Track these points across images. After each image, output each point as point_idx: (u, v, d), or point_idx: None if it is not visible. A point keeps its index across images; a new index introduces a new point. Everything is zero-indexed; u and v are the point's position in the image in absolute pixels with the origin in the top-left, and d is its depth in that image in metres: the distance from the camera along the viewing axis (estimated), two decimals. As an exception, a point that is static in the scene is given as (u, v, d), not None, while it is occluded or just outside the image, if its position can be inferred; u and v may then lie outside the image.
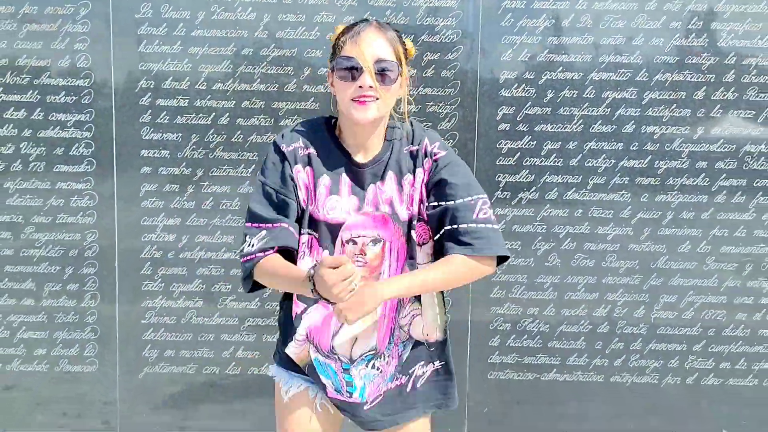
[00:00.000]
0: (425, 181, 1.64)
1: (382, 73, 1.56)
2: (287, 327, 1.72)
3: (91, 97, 2.88)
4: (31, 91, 2.87)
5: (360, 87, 1.56)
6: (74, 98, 2.88)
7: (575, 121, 2.92)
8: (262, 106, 2.91)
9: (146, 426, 3.05)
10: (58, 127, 2.89)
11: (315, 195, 1.63)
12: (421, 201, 1.65)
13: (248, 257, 1.61)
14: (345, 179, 1.63)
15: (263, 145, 2.88)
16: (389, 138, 1.67)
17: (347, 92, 1.57)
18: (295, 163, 1.63)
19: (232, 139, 2.91)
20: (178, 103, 2.90)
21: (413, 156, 1.66)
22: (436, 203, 1.63)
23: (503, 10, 2.88)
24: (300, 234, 1.64)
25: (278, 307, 1.81)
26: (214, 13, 2.85)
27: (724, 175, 2.94)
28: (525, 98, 2.91)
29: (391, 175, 1.64)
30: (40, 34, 2.83)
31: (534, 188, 2.95)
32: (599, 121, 2.92)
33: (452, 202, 1.61)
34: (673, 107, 2.91)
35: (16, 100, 2.87)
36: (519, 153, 2.94)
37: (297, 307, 1.69)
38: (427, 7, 2.87)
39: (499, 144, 2.93)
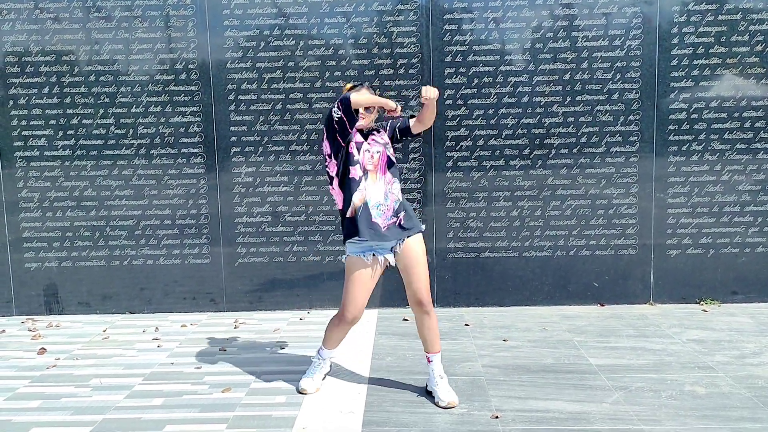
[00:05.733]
0: (387, 134, 3.42)
1: (366, 110, 3.34)
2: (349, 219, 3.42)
3: (199, 96, 4.79)
4: (164, 94, 4.79)
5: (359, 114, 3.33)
6: (189, 97, 4.79)
7: (492, 96, 4.76)
8: (301, 96, 4.79)
9: (238, 298, 4.97)
10: (180, 115, 4.80)
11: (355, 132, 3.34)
12: (389, 139, 3.43)
13: (343, 98, 3.17)
14: (358, 134, 3.38)
15: (303, 120, 4.77)
16: (375, 127, 3.45)
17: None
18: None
19: (284, 118, 4.80)
20: (250, 97, 4.79)
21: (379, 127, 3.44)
22: (398, 132, 3.42)
23: (444, 30, 4.71)
24: (352, 141, 3.28)
25: (340, 217, 3.48)
26: (272, 42, 4.73)
27: (585, 125, 4.76)
28: (461, 83, 4.76)
29: (374, 134, 3.40)
30: (169, 60, 4.75)
31: (469, 139, 4.80)
32: (506, 96, 4.76)
33: (397, 123, 3.42)
34: (551, 84, 4.74)
35: (155, 100, 4.79)
36: (459, 118, 4.79)
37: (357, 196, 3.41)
38: (397, 31, 4.71)
39: (446, 112, 4.78)
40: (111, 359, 4.02)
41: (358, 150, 3.25)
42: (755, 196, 4.78)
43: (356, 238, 3.24)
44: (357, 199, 3.23)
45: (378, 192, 3.26)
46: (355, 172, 3.22)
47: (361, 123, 3.28)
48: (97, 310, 4.96)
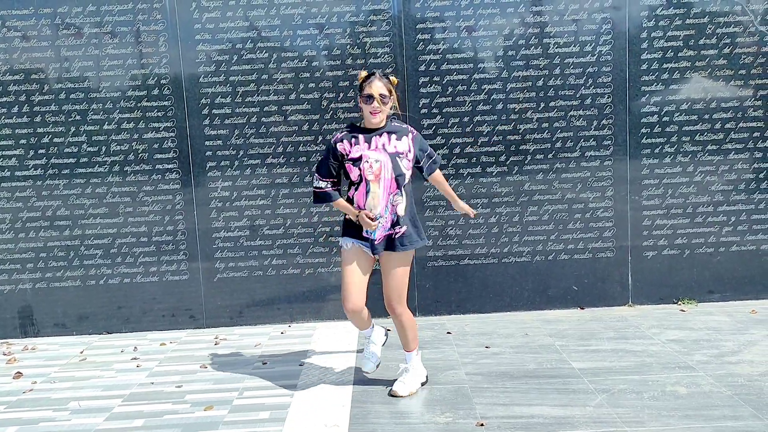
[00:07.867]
0: (411, 145, 3.40)
1: (382, 100, 3.35)
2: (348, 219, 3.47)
3: (173, 111, 4.74)
4: (137, 110, 4.73)
5: (373, 106, 3.32)
6: (162, 112, 4.74)
7: (466, 104, 4.79)
8: (276, 109, 4.77)
9: (217, 314, 4.91)
10: (154, 131, 4.75)
11: (349, 149, 3.36)
12: (408, 151, 3.39)
13: (322, 192, 3.41)
14: (361, 137, 3.36)
15: (279, 133, 4.74)
16: (394, 129, 3.41)
17: (367, 108, 3.35)
18: (338, 142, 3.37)
19: (260, 131, 4.77)
20: (224, 111, 4.76)
21: (402, 130, 3.41)
22: (417, 159, 3.44)
23: (417, 40, 4.73)
24: (346, 163, 3.36)
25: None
26: (245, 55, 4.70)
27: (559, 130, 4.81)
28: (435, 92, 4.77)
29: (384, 135, 3.37)
30: (142, 75, 4.70)
31: (445, 147, 4.81)
32: (481, 104, 4.78)
33: (423, 157, 3.47)
34: (525, 91, 4.78)
35: (127, 116, 4.74)
36: (434, 126, 4.80)
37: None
38: (371, 42, 4.72)
39: (422, 121, 4.80)
40: (89, 381, 3.95)
41: (355, 164, 3.34)
42: (728, 195, 4.86)
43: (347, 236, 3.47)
44: (360, 204, 3.39)
45: (378, 205, 3.34)
46: (357, 184, 3.38)
47: (376, 120, 3.33)
48: (73, 331, 4.87)
